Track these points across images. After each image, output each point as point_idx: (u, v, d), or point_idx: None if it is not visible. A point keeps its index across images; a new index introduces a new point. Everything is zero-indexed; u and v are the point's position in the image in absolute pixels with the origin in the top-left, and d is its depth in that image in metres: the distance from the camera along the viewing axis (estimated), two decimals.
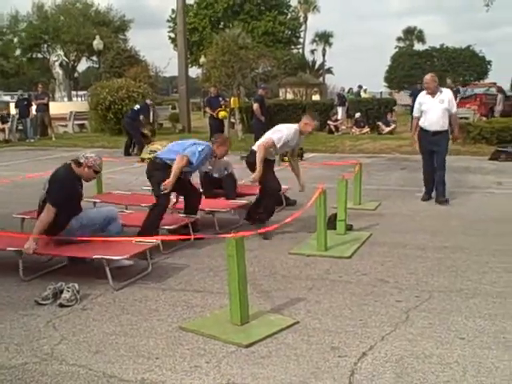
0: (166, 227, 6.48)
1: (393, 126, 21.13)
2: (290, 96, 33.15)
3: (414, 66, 55.28)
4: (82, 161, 5.63)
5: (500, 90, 27.56)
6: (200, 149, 6.72)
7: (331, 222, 6.87)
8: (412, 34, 72.86)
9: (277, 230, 6.16)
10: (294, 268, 5.76)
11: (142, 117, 16.63)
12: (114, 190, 8.77)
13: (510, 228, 7.22)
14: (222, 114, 17.36)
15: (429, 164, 9.22)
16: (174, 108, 30.23)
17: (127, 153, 16.44)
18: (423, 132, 9.09)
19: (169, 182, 6.41)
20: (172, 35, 51.12)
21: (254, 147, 7.17)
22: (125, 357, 3.84)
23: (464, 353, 3.85)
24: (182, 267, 5.82)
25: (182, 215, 7.03)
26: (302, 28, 61.20)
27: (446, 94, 9.08)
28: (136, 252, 5.38)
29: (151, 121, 18.55)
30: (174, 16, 44.20)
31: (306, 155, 15.21)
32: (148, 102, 18.39)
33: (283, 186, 8.83)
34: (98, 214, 5.99)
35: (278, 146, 7.10)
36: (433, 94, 8.99)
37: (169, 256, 6.21)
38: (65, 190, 5.61)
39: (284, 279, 5.41)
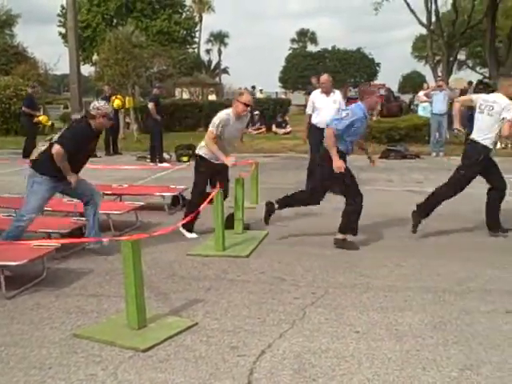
0: (60, 231, 6.24)
1: (289, 128, 21.52)
2: (186, 96, 32.94)
3: (307, 66, 56.83)
4: (94, 113, 5.75)
5: (388, 90, 28.81)
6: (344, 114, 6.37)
7: (229, 222, 6.89)
8: (305, 35, 74.84)
9: (174, 231, 6.09)
10: (192, 269, 5.72)
11: (24, 108, 15.89)
12: (4, 193, 8.35)
13: (400, 223, 7.54)
14: (117, 102, 16.96)
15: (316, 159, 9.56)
16: (66, 107, 29.29)
17: (25, 155, 15.73)
18: (315, 129, 9.38)
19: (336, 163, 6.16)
20: (62, 31, 49.37)
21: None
22: (15, 369, 3.64)
23: (359, 346, 3.97)
24: (76, 272, 5.62)
25: (75, 218, 6.79)
26: (197, 28, 61.16)
27: (338, 95, 9.47)
28: (35, 257, 5.09)
29: (39, 109, 17.77)
30: (64, 11, 42.73)
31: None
32: (29, 90, 17.67)
33: (180, 187, 8.78)
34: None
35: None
36: (327, 93, 9.33)
37: (63, 261, 5.97)
38: (76, 140, 5.79)
39: (182, 281, 5.36)
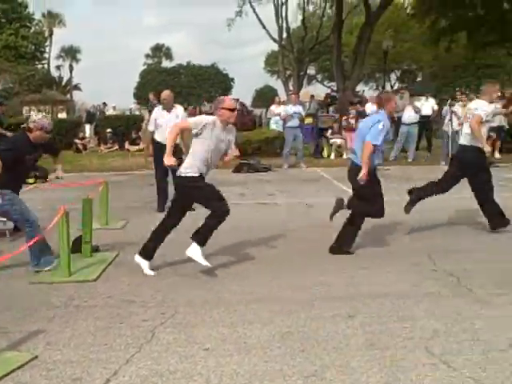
0: None
1: (142, 145, 21.20)
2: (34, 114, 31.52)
3: (161, 82, 56.49)
4: (31, 126, 5.84)
5: (242, 104, 29.39)
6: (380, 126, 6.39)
7: (76, 245, 6.62)
8: (160, 51, 74.63)
9: (13, 258, 5.71)
10: (34, 298, 5.39)
11: None
12: None
13: (249, 236, 7.63)
14: None
15: (162, 176, 9.51)
16: None
17: None
18: (159, 145, 9.30)
19: (364, 173, 6.26)
20: None
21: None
22: None
23: (207, 363, 3.94)
24: None
25: None
26: (47, 43, 58.92)
27: (180, 109, 9.57)
28: None
29: None
30: None
31: (50, 176, 14.50)
32: None
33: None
34: None
35: None
36: (169, 109, 9.36)
37: None
38: (10, 148, 5.81)
39: (23, 311, 5.01)
